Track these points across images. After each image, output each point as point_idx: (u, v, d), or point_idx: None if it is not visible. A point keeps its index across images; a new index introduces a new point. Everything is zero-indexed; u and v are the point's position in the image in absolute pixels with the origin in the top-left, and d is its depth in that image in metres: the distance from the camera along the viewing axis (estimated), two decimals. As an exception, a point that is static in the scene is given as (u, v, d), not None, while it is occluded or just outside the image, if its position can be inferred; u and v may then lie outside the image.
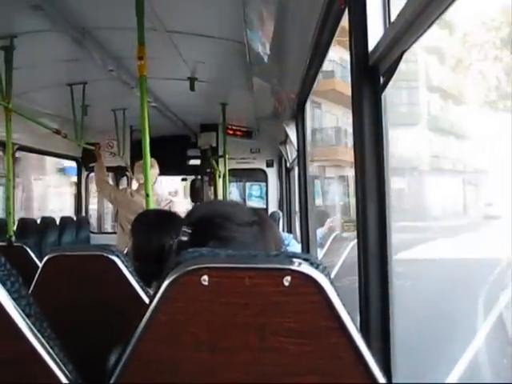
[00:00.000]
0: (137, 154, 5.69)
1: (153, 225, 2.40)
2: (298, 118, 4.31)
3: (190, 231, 1.42)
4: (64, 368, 1.19)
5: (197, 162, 7.66)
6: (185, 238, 1.41)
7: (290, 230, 7.19)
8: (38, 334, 1.17)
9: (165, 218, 2.47)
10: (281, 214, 7.23)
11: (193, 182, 8.04)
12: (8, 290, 1.14)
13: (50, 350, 1.18)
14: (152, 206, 3.46)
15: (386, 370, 1.74)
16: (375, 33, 1.86)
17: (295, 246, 4.76)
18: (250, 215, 1.47)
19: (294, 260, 1.08)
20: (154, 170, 5.41)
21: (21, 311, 1.15)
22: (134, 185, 6.41)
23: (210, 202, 3.56)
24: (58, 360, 1.19)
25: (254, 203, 7.80)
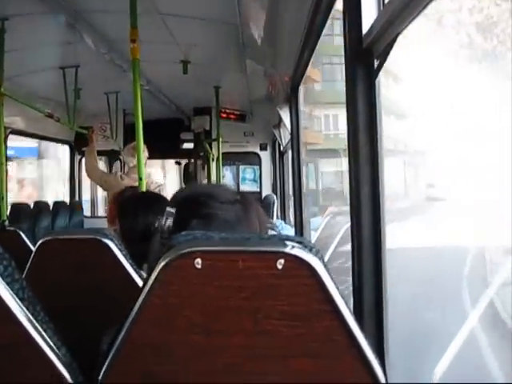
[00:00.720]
0: (130, 138, 5.66)
1: (138, 205, 2.42)
2: (292, 100, 4.30)
3: (173, 211, 1.43)
4: (57, 351, 1.19)
5: (190, 145, 7.62)
6: (169, 218, 1.42)
7: (283, 213, 7.20)
8: (32, 318, 1.16)
9: (150, 199, 2.49)
10: (275, 197, 7.24)
11: (186, 166, 8.01)
12: (1, 274, 1.14)
13: (44, 334, 1.18)
14: (144, 189, 3.48)
15: (380, 353, 1.75)
16: (369, 15, 1.85)
17: (288, 230, 4.78)
18: (234, 194, 1.48)
19: (288, 243, 1.08)
20: (143, 153, 5.38)
21: (14, 295, 1.15)
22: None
23: (195, 184, 3.57)
24: (51, 343, 1.19)
25: (248, 187, 7.80)
